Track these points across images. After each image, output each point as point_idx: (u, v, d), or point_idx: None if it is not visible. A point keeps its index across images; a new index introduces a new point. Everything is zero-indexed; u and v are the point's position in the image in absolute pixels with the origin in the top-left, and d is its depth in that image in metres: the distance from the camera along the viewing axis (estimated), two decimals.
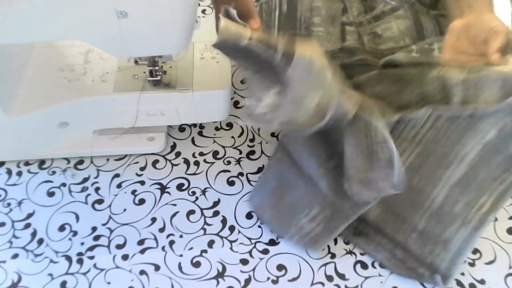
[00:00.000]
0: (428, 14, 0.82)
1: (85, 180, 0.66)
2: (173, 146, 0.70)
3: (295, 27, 0.83)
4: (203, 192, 0.65)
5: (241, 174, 0.67)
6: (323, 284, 0.57)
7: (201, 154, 0.69)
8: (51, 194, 0.65)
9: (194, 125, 0.72)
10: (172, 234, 0.61)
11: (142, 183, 0.66)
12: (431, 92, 0.60)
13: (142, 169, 0.67)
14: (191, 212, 0.63)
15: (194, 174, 0.67)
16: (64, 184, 0.66)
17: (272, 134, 0.71)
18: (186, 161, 0.68)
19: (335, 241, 0.60)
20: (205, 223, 0.62)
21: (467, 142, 0.58)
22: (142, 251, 0.59)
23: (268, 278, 0.57)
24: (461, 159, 0.58)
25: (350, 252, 0.59)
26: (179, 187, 0.65)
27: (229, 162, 0.68)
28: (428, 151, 0.59)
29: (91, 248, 0.60)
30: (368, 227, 0.60)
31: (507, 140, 0.56)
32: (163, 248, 0.60)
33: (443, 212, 0.57)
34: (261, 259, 0.59)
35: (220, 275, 0.57)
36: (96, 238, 0.61)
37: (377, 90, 0.64)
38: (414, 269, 0.57)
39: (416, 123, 0.59)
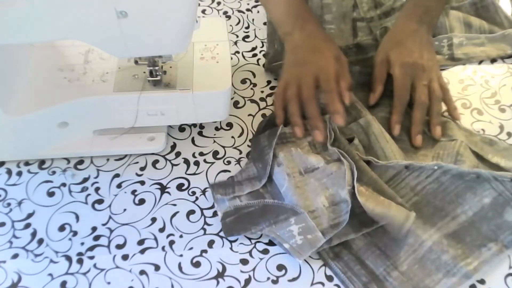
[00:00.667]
0: None
1: (85, 180, 0.66)
2: (173, 146, 0.70)
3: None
4: (203, 192, 0.65)
5: None
6: (323, 284, 0.57)
7: (201, 154, 0.69)
8: (51, 194, 0.65)
9: (194, 125, 0.72)
10: (172, 234, 0.61)
11: (142, 183, 0.66)
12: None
13: (142, 169, 0.67)
14: (191, 212, 0.63)
15: (194, 174, 0.67)
16: (64, 184, 0.66)
17: None
18: (186, 161, 0.68)
19: None
20: (205, 223, 0.62)
21: (466, 201, 0.60)
22: (142, 251, 0.59)
23: (268, 278, 0.57)
24: (455, 216, 0.59)
25: None
26: (179, 187, 0.65)
27: (229, 162, 0.68)
28: (426, 202, 0.61)
29: (91, 248, 0.60)
30: (349, 254, 0.58)
31: (498, 210, 0.58)
32: (163, 248, 0.60)
33: (428, 258, 0.56)
34: (261, 259, 0.59)
35: (220, 275, 0.57)
36: (96, 238, 0.61)
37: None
38: None
39: (421, 173, 0.61)
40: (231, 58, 0.72)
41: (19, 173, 0.67)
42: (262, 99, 0.75)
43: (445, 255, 0.56)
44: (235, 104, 0.75)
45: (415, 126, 0.67)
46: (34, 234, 0.61)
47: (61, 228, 0.61)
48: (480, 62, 0.79)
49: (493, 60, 0.79)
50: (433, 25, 0.75)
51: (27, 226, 0.62)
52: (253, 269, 0.58)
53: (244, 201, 0.62)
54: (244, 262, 0.58)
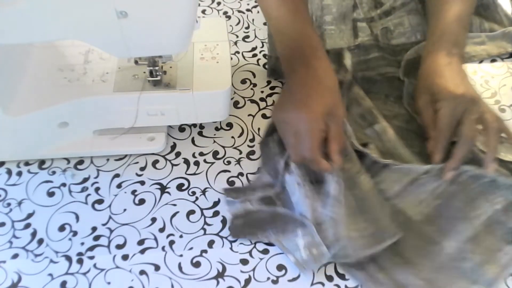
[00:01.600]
0: None
1: (85, 180, 0.66)
2: (173, 146, 0.70)
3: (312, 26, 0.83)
4: (203, 192, 0.65)
5: (241, 174, 0.67)
6: (323, 284, 0.57)
7: (201, 154, 0.69)
8: (51, 194, 0.65)
9: (194, 125, 0.72)
10: (172, 234, 0.61)
11: (142, 183, 0.66)
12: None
13: (142, 169, 0.67)
14: (191, 212, 0.63)
15: (194, 174, 0.67)
16: (64, 184, 0.66)
17: None
18: (186, 161, 0.68)
19: None
20: (205, 223, 0.62)
21: (479, 206, 0.60)
22: (142, 251, 0.59)
23: (268, 278, 0.57)
24: (471, 219, 0.59)
25: None
26: (179, 187, 0.65)
27: (229, 162, 0.68)
28: (447, 204, 0.60)
29: (91, 248, 0.60)
30: (371, 263, 0.57)
31: (510, 214, 0.58)
32: (163, 248, 0.60)
33: (452, 266, 0.56)
34: (261, 259, 0.59)
35: (220, 275, 0.57)
36: (96, 238, 0.61)
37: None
38: None
39: (439, 175, 0.61)
40: (231, 58, 0.72)
41: (19, 173, 0.67)
42: (262, 99, 0.75)
43: (468, 263, 0.56)
44: (235, 104, 0.75)
45: (453, 162, 0.60)
46: (34, 234, 0.61)
47: (61, 228, 0.61)
48: (481, 61, 0.79)
49: (493, 60, 0.79)
50: (463, 57, 0.67)
51: (27, 226, 0.62)
52: (253, 269, 0.58)
53: (255, 205, 0.62)
54: (244, 262, 0.58)
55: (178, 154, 0.69)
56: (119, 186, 0.65)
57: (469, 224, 0.58)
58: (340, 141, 0.60)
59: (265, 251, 0.59)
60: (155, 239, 0.60)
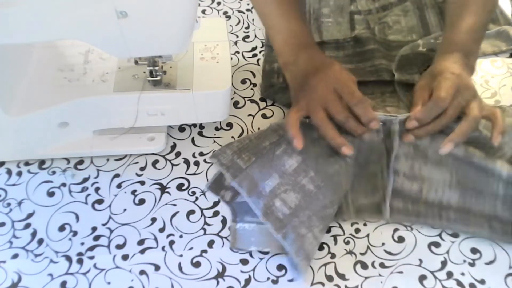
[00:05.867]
0: (433, 7, 0.85)
1: (85, 180, 0.66)
2: (173, 146, 0.70)
3: (305, 19, 0.84)
4: (203, 192, 0.65)
5: None
6: (323, 284, 0.57)
7: (201, 154, 0.69)
8: (51, 194, 0.65)
9: (194, 125, 0.72)
10: (172, 234, 0.61)
11: (142, 183, 0.66)
12: None
13: (142, 169, 0.67)
14: (191, 212, 0.63)
15: (194, 174, 0.67)
16: (64, 184, 0.66)
17: None
18: (186, 161, 0.68)
19: (335, 241, 0.60)
20: (205, 223, 0.62)
21: (501, 148, 0.61)
22: (142, 251, 0.59)
23: (268, 278, 0.57)
24: (494, 162, 0.59)
25: (350, 252, 0.59)
26: (179, 187, 0.65)
27: None
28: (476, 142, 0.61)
29: (91, 248, 0.60)
30: (450, 211, 0.60)
31: None
32: (163, 248, 0.60)
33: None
34: (261, 259, 0.59)
35: (220, 275, 0.57)
36: (96, 238, 0.61)
37: None
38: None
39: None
40: (231, 58, 0.72)
41: (19, 173, 0.67)
42: (262, 99, 0.75)
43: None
44: (235, 104, 0.75)
45: (455, 136, 0.58)
46: (34, 234, 0.61)
47: (61, 228, 0.61)
48: (480, 61, 0.79)
49: (493, 60, 0.79)
50: (473, 69, 0.65)
51: (27, 226, 0.62)
52: (253, 269, 0.58)
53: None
54: (244, 262, 0.58)
55: (178, 154, 0.69)
56: (119, 186, 0.65)
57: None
58: (357, 93, 0.60)
59: (265, 251, 0.59)
60: (155, 239, 0.60)
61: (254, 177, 0.61)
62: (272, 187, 0.59)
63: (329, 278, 0.57)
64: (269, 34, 0.70)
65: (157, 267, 0.58)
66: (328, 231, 0.61)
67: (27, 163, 0.68)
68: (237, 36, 0.84)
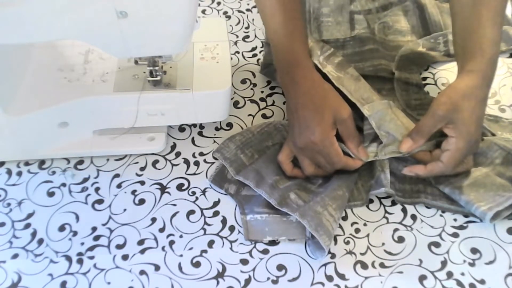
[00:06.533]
0: (433, 7, 0.85)
1: (85, 180, 0.66)
2: (173, 146, 0.70)
3: (305, 18, 0.84)
4: (203, 192, 0.65)
5: None
6: (323, 284, 0.57)
7: (201, 154, 0.69)
8: (51, 194, 0.65)
9: (194, 125, 0.72)
10: (172, 234, 0.61)
11: (142, 183, 0.66)
12: None
13: (142, 169, 0.67)
14: (191, 212, 0.63)
15: (194, 174, 0.67)
16: (64, 184, 0.66)
17: None
18: (186, 161, 0.68)
19: (335, 241, 0.60)
20: (205, 223, 0.62)
21: (478, 164, 0.64)
22: (142, 251, 0.59)
23: (268, 278, 0.57)
24: (467, 175, 0.63)
25: (350, 252, 0.59)
26: (179, 187, 0.65)
27: None
28: None
29: (91, 248, 0.60)
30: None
31: (510, 167, 0.63)
32: (163, 248, 0.60)
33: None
34: (261, 259, 0.59)
35: (220, 275, 0.57)
36: (96, 238, 0.61)
37: None
38: None
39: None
40: (231, 58, 0.72)
41: (19, 173, 0.67)
42: (262, 99, 0.75)
43: (460, 201, 0.61)
44: (235, 104, 0.75)
45: (422, 170, 0.62)
46: (34, 234, 0.61)
47: (61, 228, 0.61)
48: None
49: None
50: (491, 79, 0.62)
51: (27, 226, 0.62)
52: (253, 269, 0.58)
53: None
54: (244, 262, 0.58)
55: (178, 154, 0.69)
56: (119, 186, 0.65)
57: (465, 177, 0.62)
58: (354, 138, 0.62)
59: (265, 251, 0.59)
60: (155, 239, 0.60)
61: (261, 172, 0.64)
62: (285, 186, 0.63)
63: (329, 278, 0.57)
64: (272, 46, 0.67)
65: (157, 267, 0.58)
66: None
67: (27, 163, 0.68)
68: (237, 36, 0.84)
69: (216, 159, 0.67)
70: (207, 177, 0.66)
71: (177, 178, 0.66)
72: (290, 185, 0.63)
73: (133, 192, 0.65)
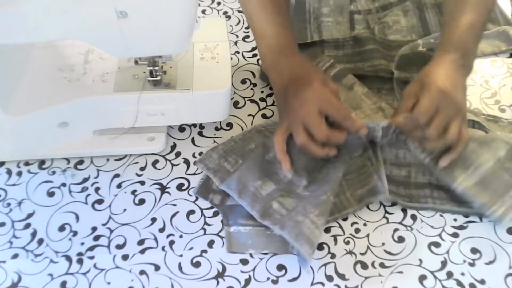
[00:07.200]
0: (433, 7, 0.85)
1: (85, 180, 0.66)
2: (173, 146, 0.70)
3: (305, 18, 0.84)
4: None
5: None
6: (323, 284, 0.57)
7: (201, 154, 0.69)
8: (51, 194, 0.65)
9: (194, 125, 0.72)
10: (172, 234, 0.61)
11: (142, 183, 0.66)
12: None
13: (142, 169, 0.67)
14: (191, 212, 0.63)
15: (194, 174, 0.67)
16: (64, 184, 0.66)
17: None
18: (186, 161, 0.68)
19: (335, 241, 0.60)
20: (205, 223, 0.62)
21: (483, 154, 0.63)
22: (142, 251, 0.59)
23: (268, 278, 0.57)
24: (476, 167, 0.62)
25: (350, 252, 0.59)
26: (179, 187, 0.65)
27: None
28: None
29: (91, 248, 0.60)
30: (441, 190, 0.63)
31: None
32: (163, 248, 0.60)
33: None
34: (261, 259, 0.59)
35: (220, 275, 0.57)
36: (96, 238, 0.61)
37: None
38: None
39: None
40: (231, 58, 0.72)
41: (19, 173, 0.67)
42: (262, 99, 0.75)
43: (476, 201, 0.60)
44: (235, 104, 0.75)
45: (428, 143, 0.60)
46: (34, 234, 0.61)
47: (61, 228, 0.61)
48: (481, 61, 0.79)
49: (493, 60, 0.79)
50: (471, 67, 0.65)
51: (27, 226, 0.62)
52: (253, 269, 0.58)
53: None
54: (244, 262, 0.58)
55: (178, 154, 0.69)
56: (119, 186, 0.65)
57: (473, 173, 0.62)
58: (342, 110, 0.61)
59: (264, 253, 0.59)
60: (155, 239, 0.60)
61: (242, 179, 0.62)
62: (268, 192, 0.61)
63: (329, 278, 0.57)
64: (255, 38, 0.70)
65: (157, 267, 0.58)
66: (328, 231, 0.61)
67: (27, 163, 0.68)
68: (237, 36, 0.84)
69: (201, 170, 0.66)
70: None
71: (177, 178, 0.66)
72: (273, 191, 0.61)
73: (133, 192, 0.65)
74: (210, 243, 0.60)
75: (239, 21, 0.87)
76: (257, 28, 0.68)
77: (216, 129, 0.72)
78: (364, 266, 0.58)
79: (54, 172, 0.67)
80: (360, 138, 0.63)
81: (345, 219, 0.62)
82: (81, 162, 0.68)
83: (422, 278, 0.57)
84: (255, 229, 0.60)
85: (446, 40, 0.65)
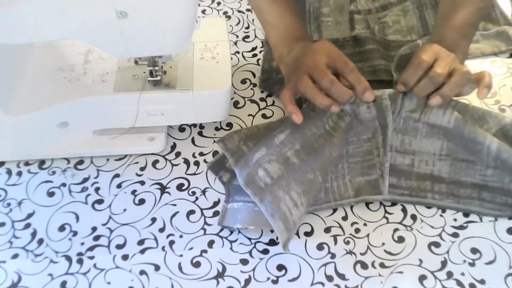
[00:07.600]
0: (433, 7, 0.85)
1: (85, 180, 0.66)
2: (173, 146, 0.70)
3: (305, 18, 0.85)
4: (203, 192, 0.65)
5: None
6: (323, 284, 0.57)
7: (201, 154, 0.69)
8: (51, 194, 0.65)
9: (194, 125, 0.72)
10: (172, 234, 0.61)
11: (142, 183, 0.66)
12: None
13: (142, 169, 0.67)
14: (191, 212, 0.63)
15: (194, 174, 0.67)
16: (64, 184, 0.66)
17: None
18: (186, 161, 0.68)
19: (335, 241, 0.60)
20: (205, 223, 0.62)
21: (487, 122, 0.63)
22: (142, 251, 0.59)
23: (268, 278, 0.57)
24: (484, 135, 0.61)
25: (350, 252, 0.59)
26: (179, 187, 0.65)
27: None
28: (464, 112, 0.64)
29: (91, 248, 0.60)
30: (442, 184, 0.62)
31: None
32: (163, 248, 0.60)
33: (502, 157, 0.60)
34: (261, 259, 0.59)
35: (220, 275, 0.57)
36: (96, 238, 0.61)
37: None
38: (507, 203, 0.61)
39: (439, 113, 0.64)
40: (231, 58, 0.72)
41: (19, 173, 0.67)
42: (262, 99, 0.75)
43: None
44: (235, 104, 0.75)
45: (444, 90, 0.59)
46: (34, 234, 0.61)
47: (61, 228, 0.61)
48: (480, 61, 0.79)
49: (493, 60, 0.79)
50: (467, 51, 0.67)
51: (27, 226, 0.62)
52: (253, 269, 0.58)
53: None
54: (244, 262, 0.58)
55: (178, 154, 0.69)
56: (119, 186, 0.65)
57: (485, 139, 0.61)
58: (353, 70, 0.61)
59: (265, 251, 0.59)
60: (155, 239, 0.60)
61: (248, 155, 0.62)
62: (257, 158, 0.60)
63: (329, 278, 0.57)
64: (265, 30, 0.72)
65: (157, 267, 0.58)
66: (328, 231, 0.61)
67: (27, 163, 0.68)
68: (237, 36, 0.84)
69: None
70: (207, 177, 0.66)
71: (177, 178, 0.66)
72: (262, 157, 0.60)
73: (133, 192, 0.65)
74: (210, 243, 0.60)
75: (239, 21, 0.87)
76: (268, 19, 0.70)
77: (216, 129, 0.72)
78: (364, 266, 0.58)
79: (54, 172, 0.67)
80: (371, 112, 0.62)
81: (345, 219, 0.62)
82: (81, 162, 0.68)
83: (422, 278, 0.57)
84: (245, 205, 0.61)
85: (437, 37, 0.66)
